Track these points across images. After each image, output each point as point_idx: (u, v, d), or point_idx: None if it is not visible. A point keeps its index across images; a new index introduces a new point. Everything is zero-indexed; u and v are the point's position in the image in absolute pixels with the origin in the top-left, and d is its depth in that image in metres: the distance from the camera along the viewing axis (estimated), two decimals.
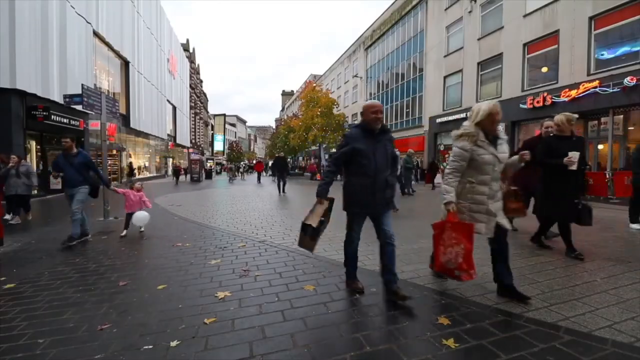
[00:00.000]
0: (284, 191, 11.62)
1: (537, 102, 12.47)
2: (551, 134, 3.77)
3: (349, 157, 2.49)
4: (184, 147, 37.06)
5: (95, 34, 14.96)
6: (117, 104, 7.53)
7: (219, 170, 34.14)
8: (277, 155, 13.53)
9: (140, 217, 4.99)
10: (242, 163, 41.60)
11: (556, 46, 12.18)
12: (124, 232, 4.90)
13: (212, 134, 57.76)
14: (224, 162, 39.61)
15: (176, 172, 21.36)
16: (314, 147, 29.69)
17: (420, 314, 2.20)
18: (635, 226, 4.98)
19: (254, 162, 42.84)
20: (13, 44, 10.00)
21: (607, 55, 10.65)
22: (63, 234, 5.20)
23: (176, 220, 6.29)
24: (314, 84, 30.03)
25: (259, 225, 5.59)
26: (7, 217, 6.20)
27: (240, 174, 28.38)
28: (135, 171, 21.53)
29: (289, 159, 45.28)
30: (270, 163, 28.25)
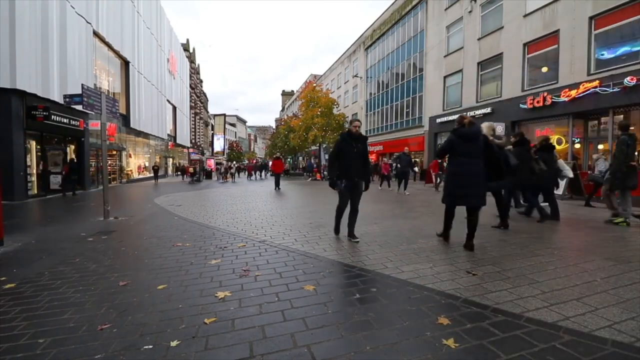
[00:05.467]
0: (350, 235, 4.33)
1: (537, 102, 12.47)
2: None
3: None
4: (184, 147, 37.08)
5: (95, 34, 14.96)
6: (117, 104, 7.53)
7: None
8: (348, 128, 4.38)
9: None
10: (232, 163, 36.19)
11: (556, 46, 12.18)
12: None
13: (212, 134, 57.76)
14: (223, 162, 38.43)
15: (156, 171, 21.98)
16: (314, 147, 29.67)
17: (420, 314, 2.20)
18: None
19: (255, 161, 42.04)
20: (13, 44, 10.00)
21: (607, 55, 10.65)
22: (63, 234, 5.22)
23: (176, 220, 6.29)
24: (314, 84, 30.04)
25: (259, 225, 5.59)
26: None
27: (221, 175, 25.09)
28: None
29: (289, 159, 44.47)
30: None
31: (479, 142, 3.81)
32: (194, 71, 44.86)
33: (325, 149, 28.50)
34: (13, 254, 4.03)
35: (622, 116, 10.55)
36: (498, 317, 2.13)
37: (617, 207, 5.43)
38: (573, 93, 11.20)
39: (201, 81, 51.82)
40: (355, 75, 31.64)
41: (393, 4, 25.20)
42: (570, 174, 6.24)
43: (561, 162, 6.35)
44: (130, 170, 21.75)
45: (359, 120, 4.43)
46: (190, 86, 40.47)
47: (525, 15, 13.48)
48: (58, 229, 5.65)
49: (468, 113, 16.37)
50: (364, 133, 30.63)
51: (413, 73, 22.80)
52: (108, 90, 17.16)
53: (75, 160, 13.17)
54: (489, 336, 1.90)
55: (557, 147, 12.44)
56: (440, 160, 12.28)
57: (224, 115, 61.93)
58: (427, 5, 20.66)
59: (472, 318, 2.12)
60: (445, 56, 18.85)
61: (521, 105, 13.29)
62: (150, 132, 23.37)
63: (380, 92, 27.29)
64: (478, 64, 16.23)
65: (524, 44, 13.57)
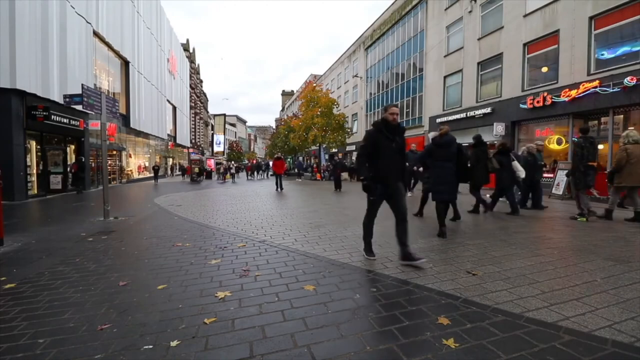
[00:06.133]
0: (407, 257, 3.27)
1: (537, 102, 12.46)
2: None
3: None
4: (184, 147, 37.06)
5: (95, 34, 14.96)
6: (117, 103, 7.53)
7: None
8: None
9: None
10: (232, 163, 36.00)
11: (556, 46, 12.17)
12: None
13: (212, 134, 57.73)
14: (223, 162, 38.37)
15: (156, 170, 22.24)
16: (314, 147, 29.65)
17: (420, 314, 2.20)
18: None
19: (255, 161, 41.98)
20: (13, 44, 10.00)
21: (607, 55, 10.64)
22: (63, 234, 5.22)
23: (176, 220, 6.29)
24: (314, 84, 30.04)
25: (259, 225, 5.59)
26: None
27: (221, 175, 24.88)
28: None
29: (289, 159, 44.38)
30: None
31: (452, 149, 4.47)
32: (194, 71, 44.86)
33: (325, 149, 28.49)
34: (13, 254, 4.03)
35: (622, 116, 10.55)
36: (498, 317, 2.13)
37: (584, 207, 5.82)
38: (573, 93, 11.19)
39: (201, 81, 51.82)
40: (355, 75, 31.62)
41: (393, 4, 25.19)
42: (523, 175, 6.85)
43: (515, 163, 6.88)
44: (130, 170, 21.75)
45: (396, 106, 3.33)
46: (190, 86, 40.47)
47: (525, 15, 13.47)
48: (58, 229, 5.65)
49: (468, 113, 16.38)
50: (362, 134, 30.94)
51: (413, 73, 22.79)
52: (108, 90, 17.16)
53: (82, 159, 13.85)
54: (489, 336, 1.90)
55: (557, 147, 12.46)
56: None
57: (224, 115, 61.91)
58: (427, 5, 20.64)
59: (472, 318, 2.12)
60: (445, 56, 18.84)
61: (521, 105, 13.28)
62: (150, 132, 23.36)
63: (380, 92, 27.28)
64: (478, 64, 16.21)
65: (524, 44, 13.55)
